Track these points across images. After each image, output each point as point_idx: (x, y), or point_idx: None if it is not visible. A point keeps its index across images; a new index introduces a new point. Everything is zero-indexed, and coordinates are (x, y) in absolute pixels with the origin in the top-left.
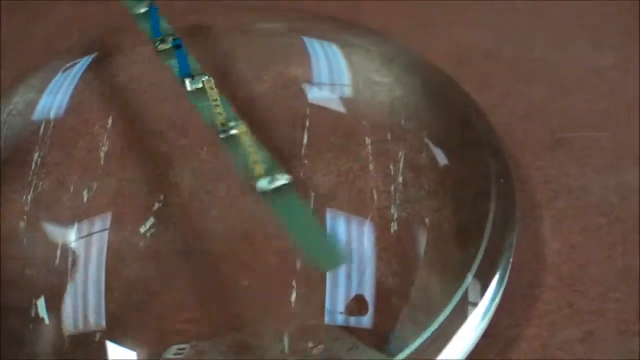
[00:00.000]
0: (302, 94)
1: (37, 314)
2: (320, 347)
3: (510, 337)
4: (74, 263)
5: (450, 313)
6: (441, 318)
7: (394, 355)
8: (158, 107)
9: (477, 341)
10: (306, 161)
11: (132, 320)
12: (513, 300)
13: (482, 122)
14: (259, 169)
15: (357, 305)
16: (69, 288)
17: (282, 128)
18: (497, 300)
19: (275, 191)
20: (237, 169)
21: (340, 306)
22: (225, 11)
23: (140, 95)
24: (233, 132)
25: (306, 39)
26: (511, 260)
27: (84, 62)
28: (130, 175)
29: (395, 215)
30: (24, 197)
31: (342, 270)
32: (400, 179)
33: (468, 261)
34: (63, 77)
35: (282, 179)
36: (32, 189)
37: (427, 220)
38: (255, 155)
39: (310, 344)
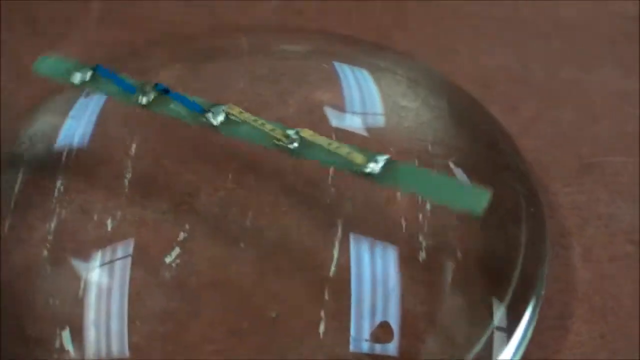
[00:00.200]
0: (328, 119)
1: (61, 345)
2: None
3: None
4: (98, 293)
5: (481, 347)
6: (470, 349)
7: None
8: (183, 133)
9: None
10: (333, 189)
11: (157, 351)
12: (544, 332)
13: (510, 147)
14: (357, 157)
15: (382, 332)
16: (93, 318)
17: None
18: (529, 334)
19: (386, 169)
20: (336, 168)
21: (366, 333)
22: (249, 32)
23: (165, 120)
24: (301, 138)
25: (332, 62)
26: (543, 292)
27: None
28: (155, 203)
29: (424, 244)
30: (47, 225)
31: (367, 300)
32: (428, 207)
33: (499, 292)
34: (86, 101)
35: (383, 156)
36: (55, 216)
37: (455, 248)
38: (342, 147)
39: None
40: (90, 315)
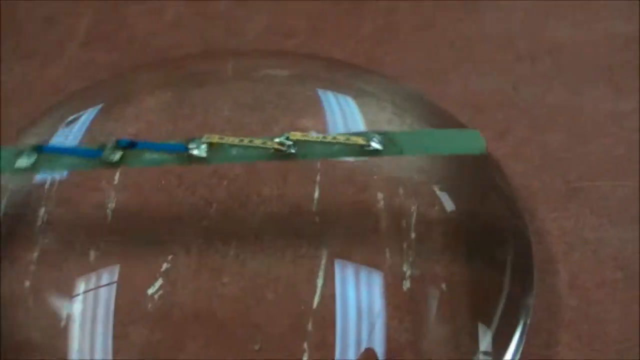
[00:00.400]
0: None
1: None
2: None
3: None
4: (81, 325)
5: None
6: None
7: None
8: None
9: None
10: (317, 218)
11: None
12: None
13: (497, 173)
14: (358, 139)
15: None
16: (76, 352)
17: (292, 182)
18: None
19: (386, 142)
20: (343, 156)
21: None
22: (236, 57)
23: None
24: (294, 141)
25: (316, 89)
26: (529, 321)
27: (89, 115)
28: (138, 234)
29: (408, 273)
30: (29, 256)
31: (351, 331)
32: (412, 235)
33: (485, 320)
34: (67, 130)
35: (379, 133)
36: (37, 247)
37: (440, 277)
38: (338, 137)
39: None
40: (73, 347)
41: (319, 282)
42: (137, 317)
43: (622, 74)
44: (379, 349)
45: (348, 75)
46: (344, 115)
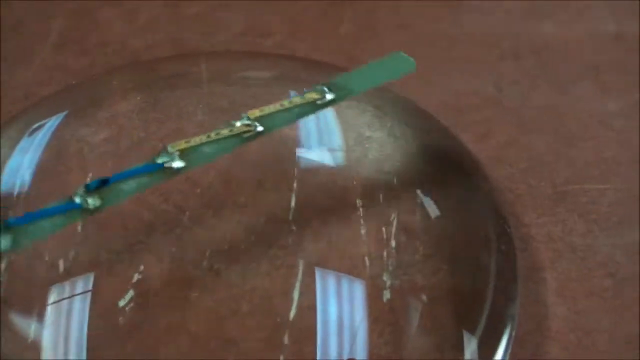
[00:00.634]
0: (289, 151)
1: None
2: None
3: None
4: (51, 339)
5: None
6: None
7: None
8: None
9: None
10: (294, 227)
11: None
12: None
13: (481, 177)
14: (312, 95)
15: None
16: None
17: (268, 190)
18: None
19: (336, 90)
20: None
21: None
22: (210, 59)
23: (119, 154)
24: (256, 118)
25: (294, 93)
26: (514, 332)
27: (54, 120)
28: (109, 243)
29: (388, 283)
30: None
31: (332, 343)
32: (393, 244)
33: (468, 331)
34: (32, 137)
35: (324, 85)
36: (4, 257)
37: (421, 287)
38: (294, 99)
39: None
40: None
41: (296, 293)
42: (108, 329)
43: (608, 73)
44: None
45: (326, 76)
46: (324, 120)
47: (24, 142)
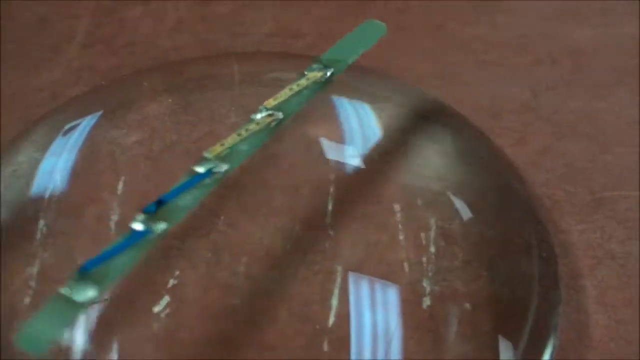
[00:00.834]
0: (326, 156)
1: None
2: None
3: None
4: (85, 345)
5: None
6: None
7: None
8: (172, 171)
9: None
10: (331, 232)
11: None
12: None
13: (519, 183)
14: (316, 75)
15: None
16: None
17: (304, 194)
18: None
19: (332, 65)
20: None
21: None
22: (241, 59)
23: (153, 156)
24: (275, 107)
25: (330, 93)
26: (557, 343)
27: (88, 121)
28: None
29: (428, 289)
30: (29, 270)
31: (367, 349)
32: (432, 249)
33: (511, 341)
34: (66, 138)
35: (319, 62)
36: (37, 260)
37: (462, 294)
38: (299, 82)
39: None
40: None
41: (334, 300)
42: (142, 336)
43: None
44: None
45: (363, 78)
46: (359, 122)
47: (58, 142)
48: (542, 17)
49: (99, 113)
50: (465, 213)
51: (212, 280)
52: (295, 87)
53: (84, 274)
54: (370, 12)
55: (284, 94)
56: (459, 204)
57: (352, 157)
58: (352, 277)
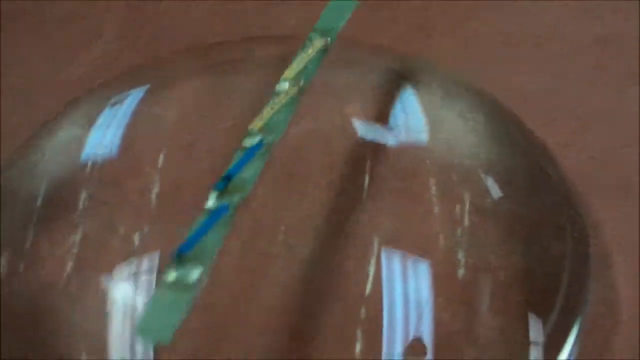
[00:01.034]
0: (361, 132)
1: None
2: None
3: None
4: (124, 310)
5: None
6: None
7: None
8: (212, 145)
9: None
10: (368, 204)
11: None
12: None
13: (551, 164)
14: (319, 43)
15: (415, 350)
16: (118, 336)
17: (341, 168)
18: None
19: (324, 33)
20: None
21: (399, 353)
22: (274, 41)
23: (192, 132)
24: (294, 76)
25: (364, 72)
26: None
27: (135, 95)
28: (184, 219)
29: (462, 261)
30: (71, 240)
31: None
32: (466, 222)
33: (540, 314)
34: (113, 111)
35: (315, 32)
36: (79, 231)
37: (494, 266)
38: (306, 49)
39: None
40: (115, 333)
41: (371, 268)
42: None
43: None
44: (429, 337)
45: (394, 60)
46: (393, 100)
47: (104, 115)
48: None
49: (146, 87)
50: (498, 190)
51: (250, 247)
52: (306, 57)
53: (183, 257)
54: (394, 9)
55: (298, 63)
56: (492, 179)
57: (388, 133)
58: (388, 248)
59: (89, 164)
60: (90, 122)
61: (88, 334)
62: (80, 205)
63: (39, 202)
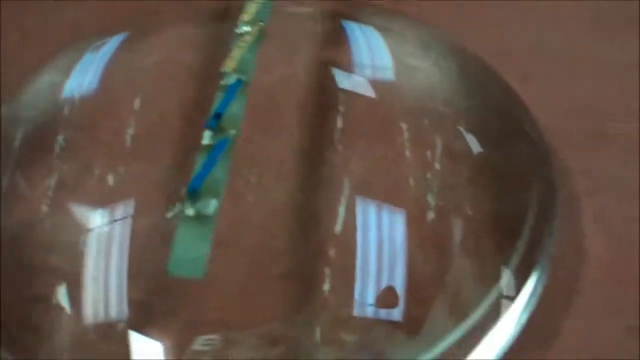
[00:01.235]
0: (335, 77)
1: (57, 302)
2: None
3: (550, 332)
4: (98, 249)
5: (487, 309)
6: (478, 312)
7: (428, 347)
8: (187, 90)
9: (515, 335)
10: (340, 146)
11: (158, 309)
12: (553, 295)
13: (522, 112)
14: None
15: (387, 296)
16: (92, 275)
17: (314, 112)
18: (538, 294)
19: None
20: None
21: (370, 298)
22: None
23: (169, 77)
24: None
25: (339, 21)
26: (551, 251)
27: (114, 41)
28: (158, 159)
29: (432, 204)
30: (47, 181)
31: (373, 261)
32: (437, 166)
33: (507, 253)
34: (92, 57)
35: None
36: (55, 172)
37: (464, 209)
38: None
39: (343, 335)
40: (89, 272)
41: (342, 209)
42: (156, 241)
43: None
44: (401, 280)
45: (373, 12)
46: (369, 47)
47: (83, 62)
48: None
49: (126, 34)
50: (470, 135)
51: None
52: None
53: (196, 192)
54: None
55: (251, 8)
56: (464, 125)
57: (361, 79)
58: (359, 190)
59: (66, 107)
60: (70, 69)
61: (63, 275)
62: (57, 148)
63: (16, 144)
